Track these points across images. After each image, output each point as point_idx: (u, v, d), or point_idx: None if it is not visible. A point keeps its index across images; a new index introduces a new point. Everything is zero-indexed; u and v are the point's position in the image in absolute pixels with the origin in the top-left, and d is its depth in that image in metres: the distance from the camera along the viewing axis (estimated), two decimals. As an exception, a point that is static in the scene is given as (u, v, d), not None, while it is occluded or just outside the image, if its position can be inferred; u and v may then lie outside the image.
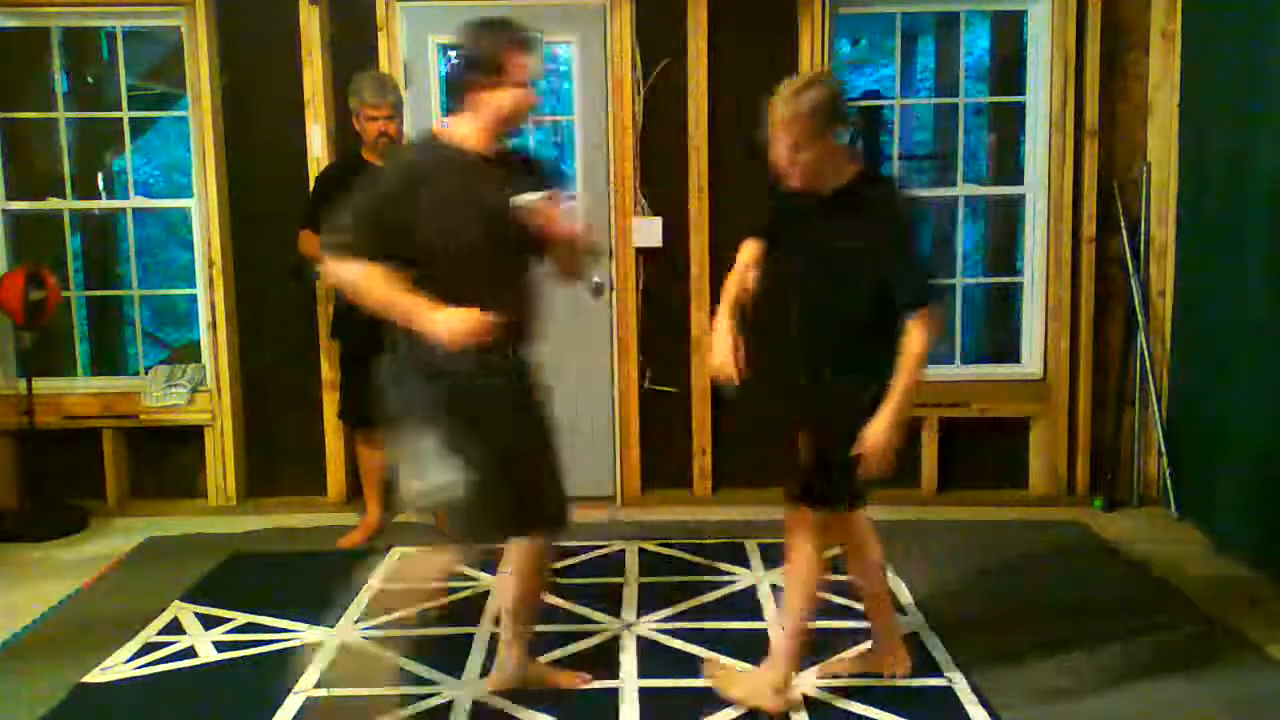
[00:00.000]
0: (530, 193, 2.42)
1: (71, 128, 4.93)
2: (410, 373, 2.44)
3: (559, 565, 3.63)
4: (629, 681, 2.88)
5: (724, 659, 2.96)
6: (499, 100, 2.45)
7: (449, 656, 3.05)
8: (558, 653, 3.03)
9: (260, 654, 3.13)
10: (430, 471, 2.38)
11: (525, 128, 3.78)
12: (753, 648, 3.04)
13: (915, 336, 2.45)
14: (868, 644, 2.99)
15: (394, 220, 2.37)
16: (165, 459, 4.71)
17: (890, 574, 3.64)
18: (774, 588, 3.52)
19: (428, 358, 2.39)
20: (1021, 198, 4.69)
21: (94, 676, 2.99)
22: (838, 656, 2.96)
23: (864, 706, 2.72)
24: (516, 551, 2.74)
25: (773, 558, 3.78)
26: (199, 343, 4.78)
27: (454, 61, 2.47)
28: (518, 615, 2.80)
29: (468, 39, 2.50)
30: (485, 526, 2.50)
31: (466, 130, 2.49)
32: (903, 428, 2.48)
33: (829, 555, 2.78)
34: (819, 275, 2.60)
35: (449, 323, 2.32)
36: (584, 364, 4.55)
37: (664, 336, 4.56)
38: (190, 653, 3.15)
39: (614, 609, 3.39)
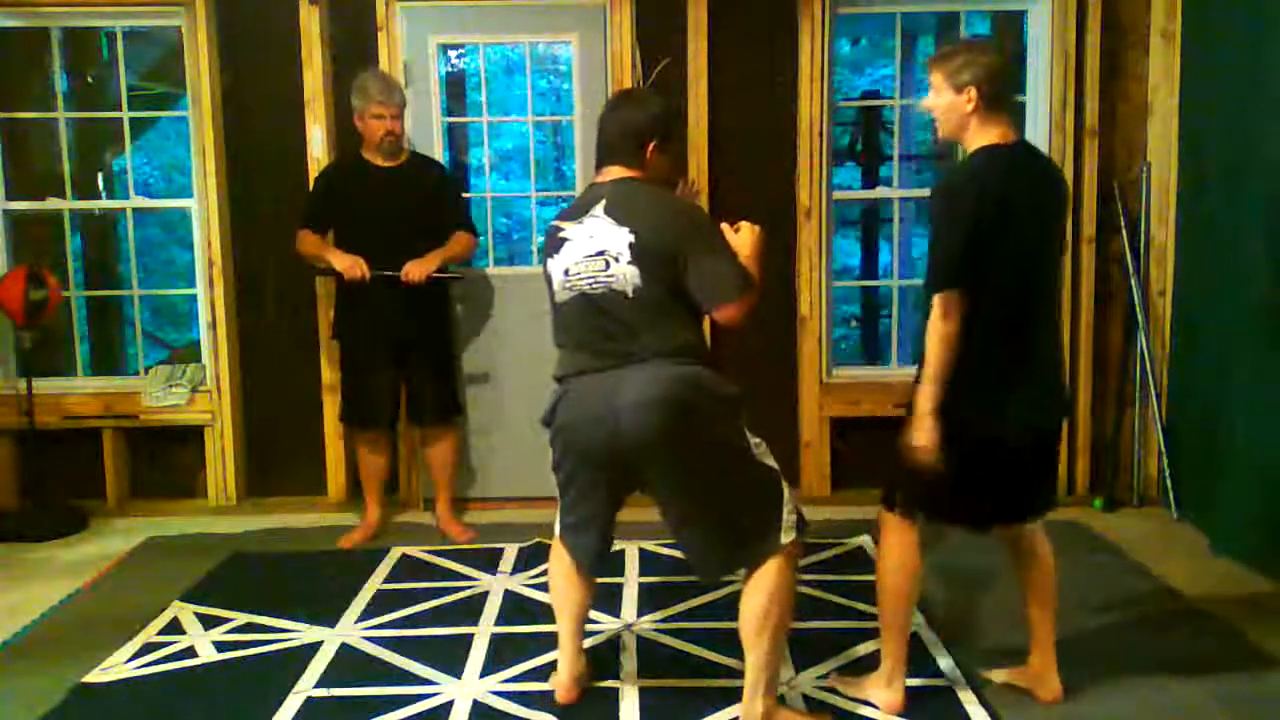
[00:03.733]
0: None
1: (71, 128, 4.92)
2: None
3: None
4: (629, 681, 2.88)
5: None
6: None
7: (449, 656, 3.06)
8: (555, 654, 3.03)
9: (260, 654, 3.13)
10: None
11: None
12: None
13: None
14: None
15: None
16: (165, 459, 4.71)
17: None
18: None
19: None
20: (1021, 198, 4.68)
21: (94, 676, 2.99)
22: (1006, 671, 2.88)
23: (864, 706, 2.72)
24: (569, 560, 2.74)
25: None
26: (199, 343, 4.78)
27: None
28: (584, 619, 2.83)
29: None
30: None
31: None
32: None
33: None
34: None
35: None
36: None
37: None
38: (190, 653, 3.15)
39: (614, 609, 3.39)
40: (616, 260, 2.45)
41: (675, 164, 2.71)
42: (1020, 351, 2.53)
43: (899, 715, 2.68)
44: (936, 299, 2.45)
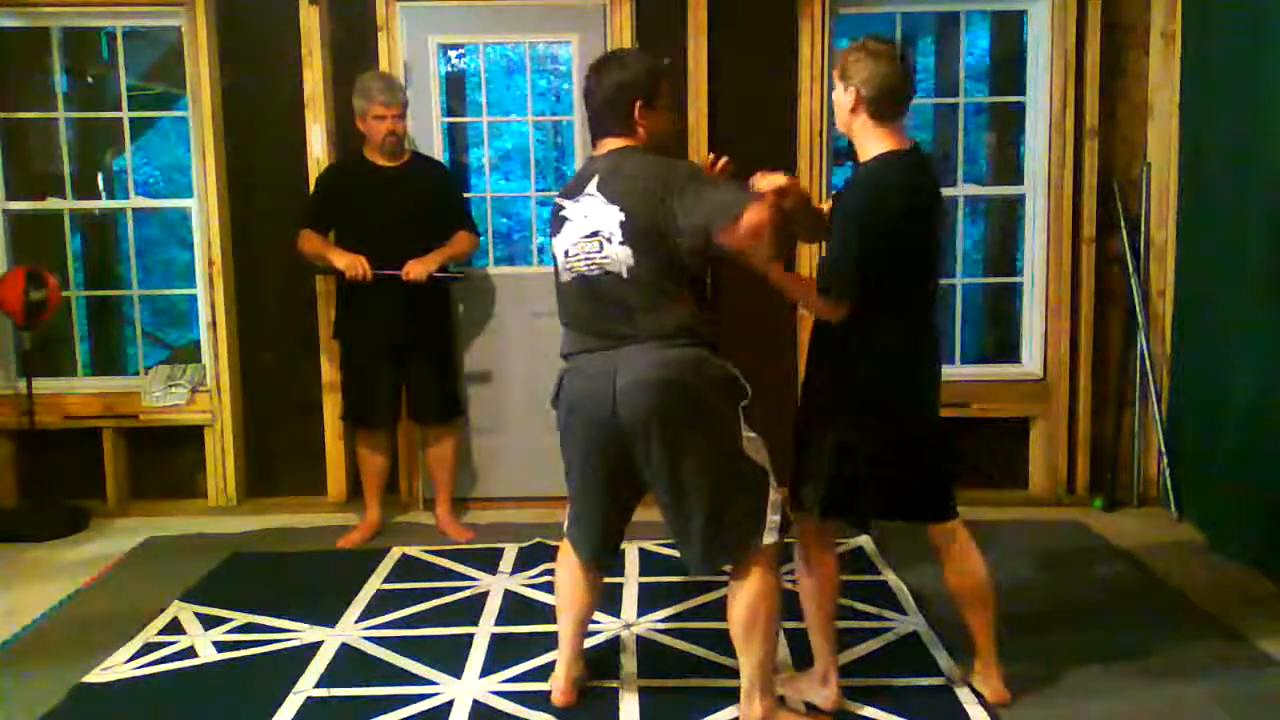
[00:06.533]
0: None
1: (71, 128, 4.93)
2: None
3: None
4: (629, 681, 2.88)
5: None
6: None
7: (449, 656, 3.06)
8: (555, 654, 3.03)
9: (260, 654, 3.13)
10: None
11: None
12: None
13: None
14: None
15: None
16: (165, 459, 4.71)
17: (892, 574, 3.65)
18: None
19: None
20: (1021, 198, 4.69)
21: (94, 676, 2.99)
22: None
23: (863, 706, 2.72)
24: (575, 561, 2.73)
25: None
26: (199, 343, 4.78)
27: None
28: (586, 622, 2.83)
29: None
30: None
31: None
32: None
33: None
34: None
35: None
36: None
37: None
38: (190, 653, 3.15)
39: (614, 609, 3.38)
40: (609, 241, 2.46)
41: (674, 125, 2.65)
42: (923, 346, 2.60)
43: (899, 715, 2.67)
44: (831, 300, 2.50)
